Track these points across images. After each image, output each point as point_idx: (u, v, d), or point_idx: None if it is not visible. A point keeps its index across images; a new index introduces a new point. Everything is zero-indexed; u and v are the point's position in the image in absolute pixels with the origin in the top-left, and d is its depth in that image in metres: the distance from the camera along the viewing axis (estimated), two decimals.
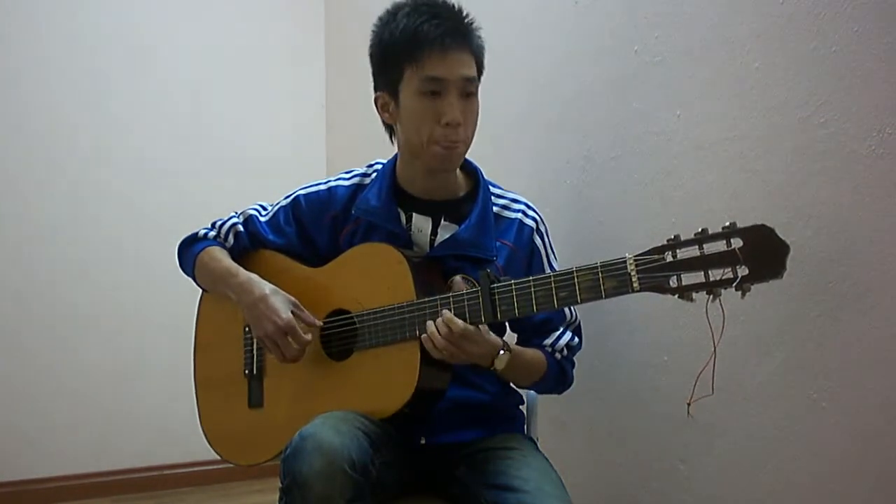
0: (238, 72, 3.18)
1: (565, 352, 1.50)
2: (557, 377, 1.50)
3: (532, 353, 1.45)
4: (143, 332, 2.95)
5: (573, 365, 1.54)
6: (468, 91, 1.42)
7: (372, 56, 1.48)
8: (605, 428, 1.74)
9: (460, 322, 1.29)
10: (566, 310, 1.51)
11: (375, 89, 1.49)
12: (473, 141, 1.47)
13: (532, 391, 1.57)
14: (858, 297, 1.20)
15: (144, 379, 2.94)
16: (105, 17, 2.95)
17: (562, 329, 1.50)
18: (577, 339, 1.53)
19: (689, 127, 1.50)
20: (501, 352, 1.34)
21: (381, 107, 1.48)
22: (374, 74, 1.49)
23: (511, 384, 1.53)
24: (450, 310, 1.31)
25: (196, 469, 2.99)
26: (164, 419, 2.85)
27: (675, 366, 1.53)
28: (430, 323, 1.32)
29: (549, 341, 1.48)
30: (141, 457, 2.96)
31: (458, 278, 1.35)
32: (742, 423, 1.40)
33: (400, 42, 1.41)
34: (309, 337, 1.42)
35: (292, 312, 1.42)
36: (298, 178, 1.75)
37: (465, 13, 1.45)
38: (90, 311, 2.89)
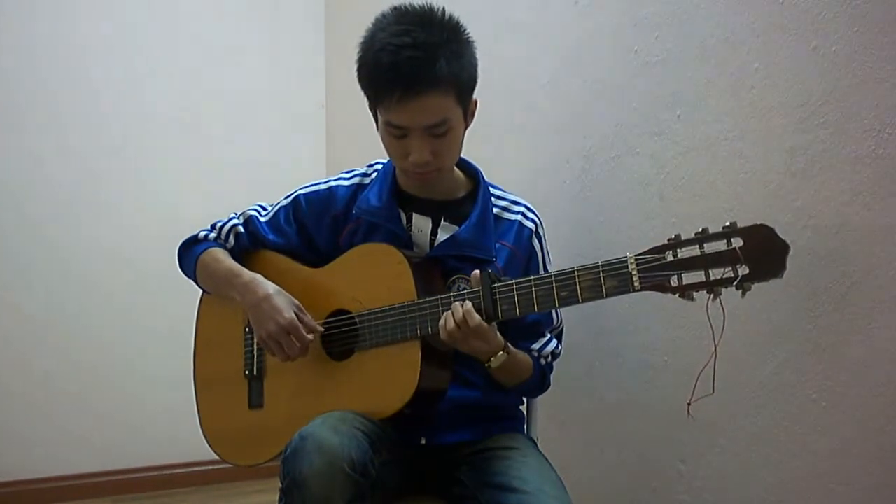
0: (238, 71, 3.17)
1: (549, 358, 1.52)
2: (538, 382, 1.51)
3: (522, 357, 1.46)
4: (144, 332, 2.94)
5: (552, 371, 1.55)
6: (436, 133, 1.36)
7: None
8: (605, 428, 1.74)
9: (477, 317, 1.29)
10: (553, 314, 1.52)
11: None
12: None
13: (513, 392, 1.56)
14: (858, 297, 1.20)
15: (144, 379, 2.94)
16: (105, 16, 2.94)
17: (548, 335, 1.52)
18: (559, 347, 1.55)
19: (689, 127, 1.50)
20: (500, 352, 1.35)
21: (373, 112, 1.45)
22: None
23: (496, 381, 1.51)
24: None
25: (196, 469, 2.98)
26: (164, 419, 2.84)
27: (676, 366, 1.53)
28: (455, 305, 1.30)
29: (536, 346, 1.49)
30: (141, 457, 2.96)
31: (477, 273, 1.33)
32: (742, 423, 1.40)
33: (364, 80, 1.38)
34: (311, 337, 1.42)
35: (295, 314, 1.42)
36: (298, 178, 1.74)
37: (438, 39, 1.32)
38: (91, 312, 2.89)
